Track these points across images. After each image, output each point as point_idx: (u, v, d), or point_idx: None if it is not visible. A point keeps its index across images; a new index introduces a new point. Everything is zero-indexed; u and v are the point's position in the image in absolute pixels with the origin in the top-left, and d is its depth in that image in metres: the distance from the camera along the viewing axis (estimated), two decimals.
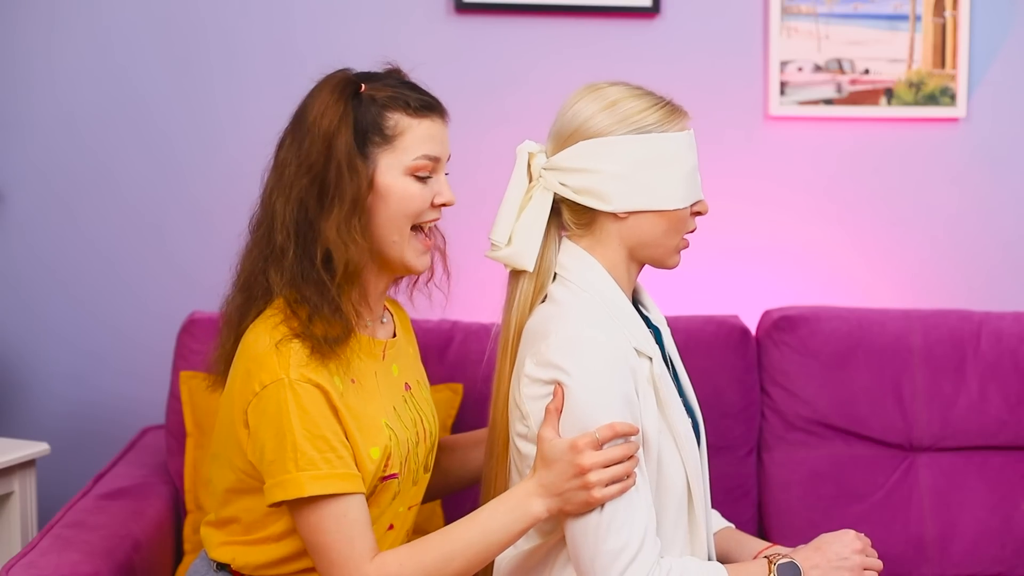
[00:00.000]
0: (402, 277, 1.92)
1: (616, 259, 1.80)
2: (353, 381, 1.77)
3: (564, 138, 1.81)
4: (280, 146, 1.80)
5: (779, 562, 1.73)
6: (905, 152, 2.78)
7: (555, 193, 1.80)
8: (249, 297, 1.79)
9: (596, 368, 1.69)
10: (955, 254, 2.81)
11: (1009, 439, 2.47)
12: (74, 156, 2.69)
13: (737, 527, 2.04)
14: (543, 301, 1.81)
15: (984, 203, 2.80)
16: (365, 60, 2.65)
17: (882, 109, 2.74)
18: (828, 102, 2.74)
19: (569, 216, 1.81)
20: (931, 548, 2.43)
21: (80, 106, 2.68)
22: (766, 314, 2.55)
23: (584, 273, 1.79)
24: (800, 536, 2.07)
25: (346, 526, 1.69)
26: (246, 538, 1.80)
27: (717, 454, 2.34)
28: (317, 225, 1.74)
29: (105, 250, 2.71)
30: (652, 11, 2.70)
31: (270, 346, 1.71)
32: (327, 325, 1.72)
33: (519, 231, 1.81)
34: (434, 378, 2.33)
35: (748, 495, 2.47)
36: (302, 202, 1.74)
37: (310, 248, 1.74)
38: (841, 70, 2.73)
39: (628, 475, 1.68)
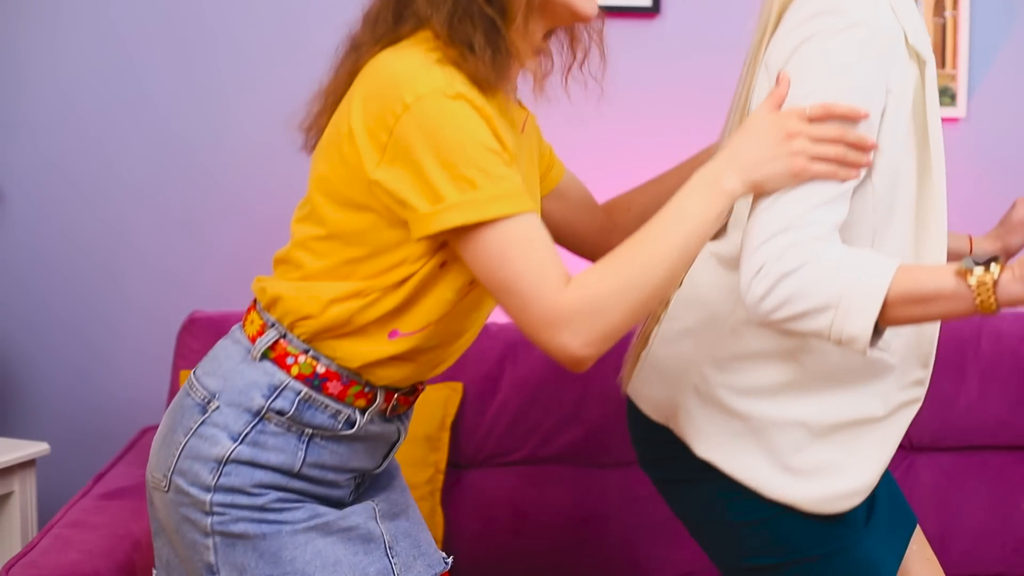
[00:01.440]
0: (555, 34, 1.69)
1: None
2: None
3: None
4: None
5: (968, 261, 1.45)
6: None
7: None
8: (375, 36, 1.57)
9: (859, 42, 1.47)
10: None
11: (1009, 439, 2.47)
12: (73, 156, 2.69)
13: None
14: None
15: (984, 203, 2.79)
16: None
17: None
18: None
19: None
20: (931, 548, 2.43)
21: (80, 107, 2.68)
22: None
23: None
24: None
25: (533, 251, 1.45)
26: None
27: None
28: None
29: (105, 249, 2.71)
30: (652, 11, 2.70)
31: (427, 60, 1.48)
32: (482, 65, 1.50)
33: None
34: (434, 377, 2.32)
35: None
36: None
37: None
38: None
39: (840, 162, 1.47)
